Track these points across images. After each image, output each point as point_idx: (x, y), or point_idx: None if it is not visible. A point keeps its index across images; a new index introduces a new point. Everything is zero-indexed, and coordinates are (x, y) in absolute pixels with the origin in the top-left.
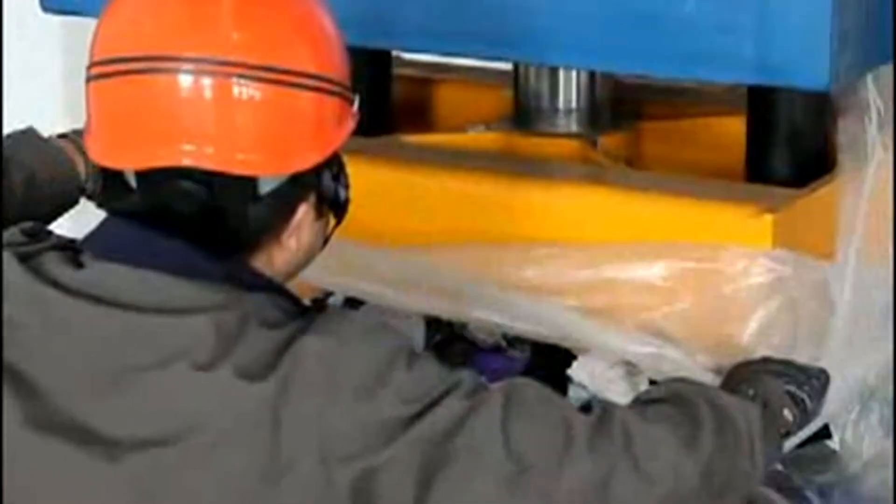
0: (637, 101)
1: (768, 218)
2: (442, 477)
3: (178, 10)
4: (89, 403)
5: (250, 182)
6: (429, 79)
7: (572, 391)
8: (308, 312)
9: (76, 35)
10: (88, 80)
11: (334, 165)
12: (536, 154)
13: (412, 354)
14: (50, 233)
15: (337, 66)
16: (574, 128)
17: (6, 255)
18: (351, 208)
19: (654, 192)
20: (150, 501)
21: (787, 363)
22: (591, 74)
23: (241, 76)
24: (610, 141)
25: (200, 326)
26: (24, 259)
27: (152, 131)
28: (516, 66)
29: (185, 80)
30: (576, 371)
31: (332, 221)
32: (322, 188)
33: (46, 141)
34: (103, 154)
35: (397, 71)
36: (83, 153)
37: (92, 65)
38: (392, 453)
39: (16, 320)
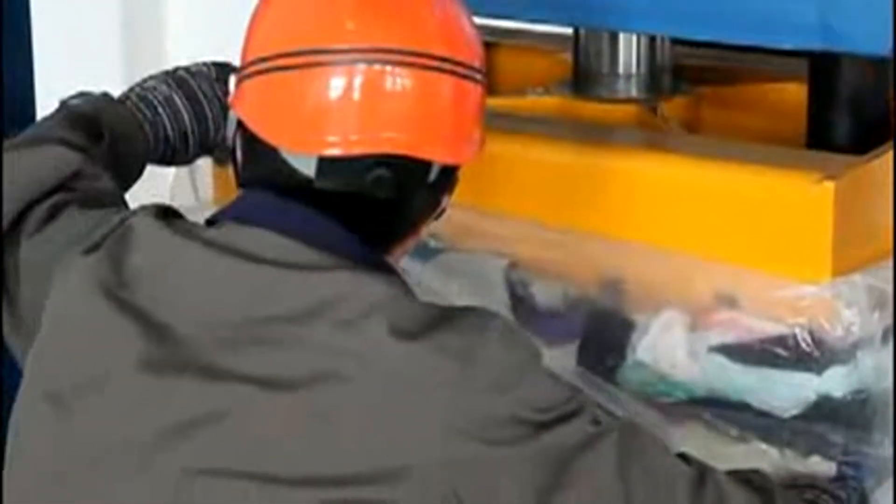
0: (697, 66)
1: (829, 185)
2: (560, 496)
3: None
4: (226, 351)
5: (427, 170)
6: (488, 43)
7: (630, 372)
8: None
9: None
10: (270, 70)
11: None
12: (595, 119)
13: (543, 365)
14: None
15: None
16: (633, 93)
17: (141, 212)
18: None
19: (714, 158)
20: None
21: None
22: (651, 39)
23: (434, 68)
24: (669, 106)
25: (347, 280)
26: (160, 217)
27: (352, 120)
28: (576, 31)
29: (383, 71)
30: (639, 353)
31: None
32: (453, 189)
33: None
34: (300, 142)
35: None
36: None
37: (272, 57)
38: (518, 455)
39: (150, 269)
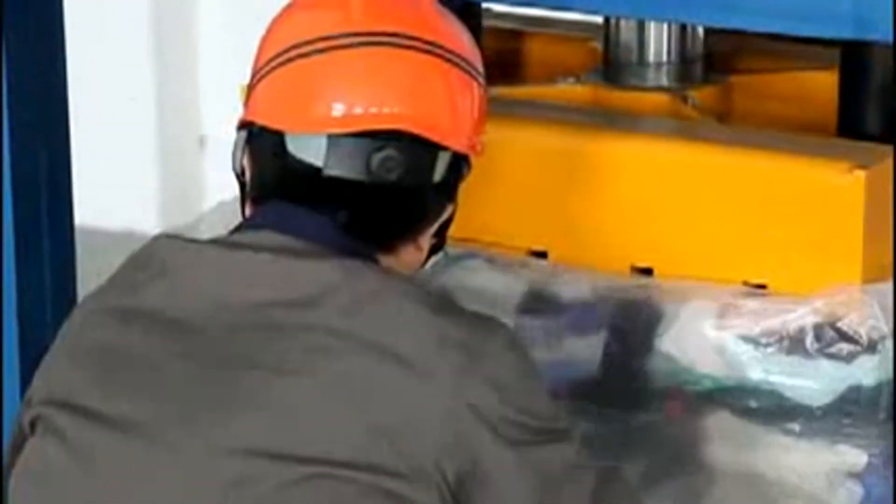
0: (728, 54)
1: (860, 174)
2: None
3: None
4: (236, 337)
5: (433, 162)
6: (519, 31)
7: (658, 362)
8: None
9: None
10: (273, 68)
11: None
12: (626, 108)
13: (541, 380)
14: None
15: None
16: (664, 82)
17: (159, 237)
18: None
19: (745, 147)
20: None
21: None
22: (682, 28)
23: (431, 53)
24: (700, 95)
25: (345, 269)
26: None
27: (355, 97)
28: (607, 19)
29: (385, 52)
30: (667, 344)
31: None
32: (455, 200)
33: None
34: (307, 122)
35: (487, 23)
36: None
37: (274, 56)
38: (512, 456)
39: (164, 273)
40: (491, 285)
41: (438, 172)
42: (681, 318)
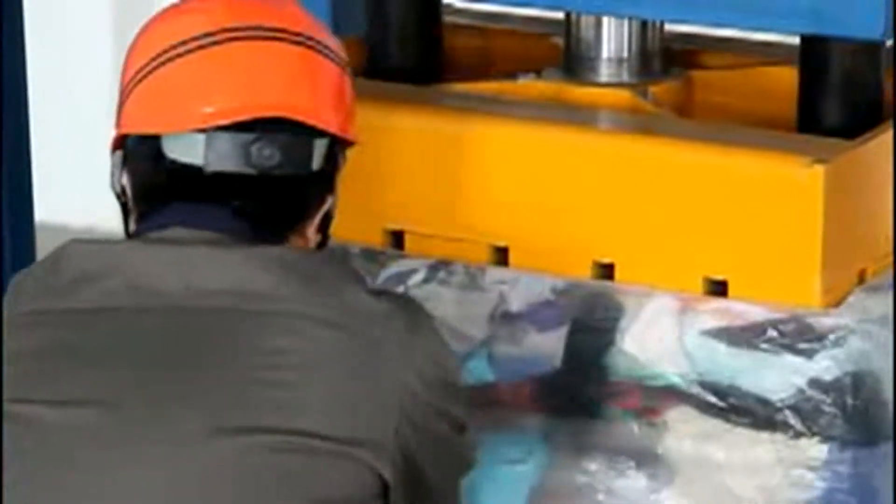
0: (688, 50)
1: (819, 168)
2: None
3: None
4: (179, 324)
5: (308, 147)
6: (479, 27)
7: (620, 357)
8: None
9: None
10: (140, 79)
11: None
12: (586, 103)
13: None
14: None
15: None
16: (624, 77)
17: (70, 242)
18: (402, 156)
19: (705, 141)
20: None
21: None
22: (643, 24)
23: (307, 46)
24: (660, 90)
25: (280, 252)
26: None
27: (226, 91)
28: (567, 15)
29: (242, 46)
30: (628, 339)
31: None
32: (335, 193)
33: None
34: (182, 121)
35: (448, 19)
36: None
37: (140, 68)
38: (445, 428)
39: (91, 273)
40: (454, 308)
41: (316, 160)
42: (643, 313)
